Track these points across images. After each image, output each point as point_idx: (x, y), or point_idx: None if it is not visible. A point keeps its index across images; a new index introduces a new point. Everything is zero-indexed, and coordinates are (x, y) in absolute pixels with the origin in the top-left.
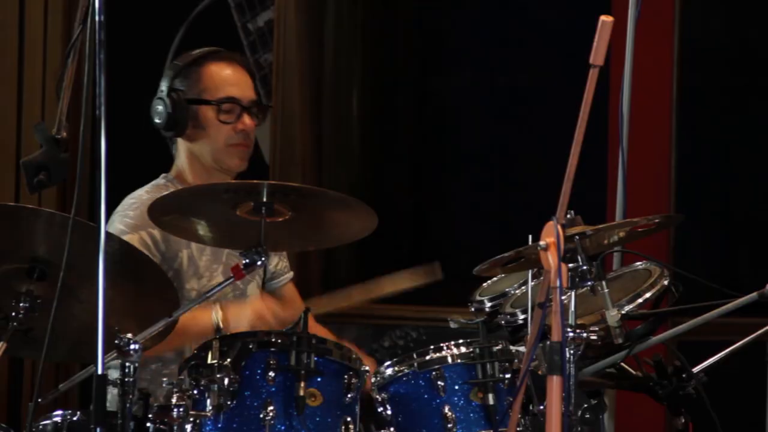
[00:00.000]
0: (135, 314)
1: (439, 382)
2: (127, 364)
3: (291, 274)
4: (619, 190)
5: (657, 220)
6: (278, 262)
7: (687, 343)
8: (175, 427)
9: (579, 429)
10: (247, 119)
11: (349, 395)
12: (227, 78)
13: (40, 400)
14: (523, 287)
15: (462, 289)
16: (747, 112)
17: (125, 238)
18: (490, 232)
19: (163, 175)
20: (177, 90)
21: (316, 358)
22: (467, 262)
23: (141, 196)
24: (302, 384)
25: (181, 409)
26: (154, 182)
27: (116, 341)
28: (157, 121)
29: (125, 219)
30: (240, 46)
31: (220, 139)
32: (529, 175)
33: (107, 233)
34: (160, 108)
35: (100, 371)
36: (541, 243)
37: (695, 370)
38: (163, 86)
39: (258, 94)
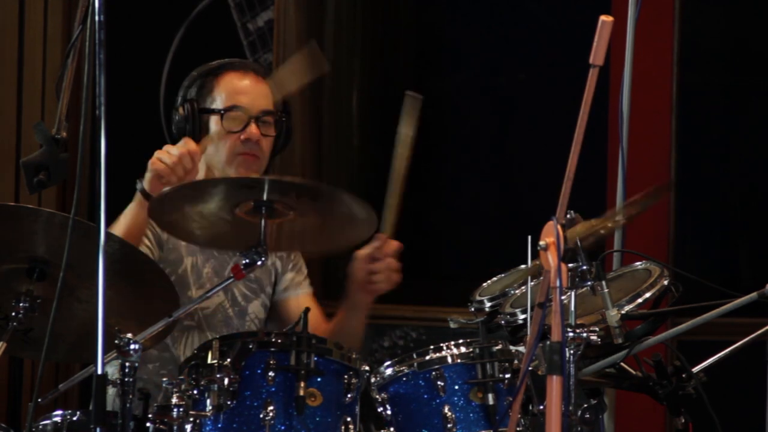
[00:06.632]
0: (135, 314)
1: (439, 382)
2: (127, 364)
3: (307, 291)
4: (619, 190)
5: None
6: (294, 276)
7: (687, 343)
8: (175, 427)
9: (579, 429)
10: (252, 128)
11: (349, 395)
12: (239, 87)
13: (40, 400)
14: (523, 287)
15: (462, 289)
16: (747, 112)
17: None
18: (489, 232)
19: None
20: (189, 100)
21: (316, 358)
22: (467, 262)
23: None
24: (302, 384)
25: (181, 409)
26: None
27: (116, 341)
28: (174, 130)
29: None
30: (240, 46)
31: (225, 148)
32: (528, 175)
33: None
34: (176, 118)
35: (100, 371)
36: (541, 243)
37: (695, 370)
38: (179, 96)
39: (281, 105)
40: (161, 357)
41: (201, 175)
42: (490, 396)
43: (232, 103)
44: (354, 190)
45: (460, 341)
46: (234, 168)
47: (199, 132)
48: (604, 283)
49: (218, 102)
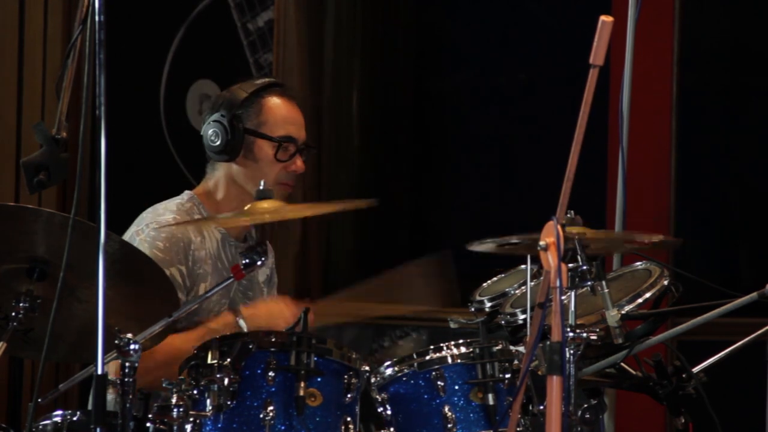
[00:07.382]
0: (135, 314)
1: (439, 382)
2: (127, 364)
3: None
4: (619, 190)
5: (656, 240)
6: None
7: (687, 343)
8: (175, 427)
9: (579, 429)
10: (299, 161)
11: (349, 395)
12: (287, 116)
13: (40, 400)
14: (523, 287)
15: (462, 289)
16: (747, 112)
17: None
18: (489, 233)
19: (186, 192)
20: (237, 117)
21: (316, 358)
22: (467, 262)
23: (168, 221)
24: (302, 384)
25: (181, 409)
26: (178, 201)
27: (116, 341)
28: (213, 143)
29: (155, 251)
30: (240, 46)
31: (271, 175)
32: (528, 175)
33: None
34: (218, 132)
35: (100, 371)
36: (541, 243)
37: (695, 370)
38: (223, 111)
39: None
40: None
41: (221, 189)
42: (490, 396)
43: (286, 134)
44: (354, 190)
45: (460, 341)
46: (274, 194)
47: (240, 149)
48: (604, 283)
49: (268, 127)
